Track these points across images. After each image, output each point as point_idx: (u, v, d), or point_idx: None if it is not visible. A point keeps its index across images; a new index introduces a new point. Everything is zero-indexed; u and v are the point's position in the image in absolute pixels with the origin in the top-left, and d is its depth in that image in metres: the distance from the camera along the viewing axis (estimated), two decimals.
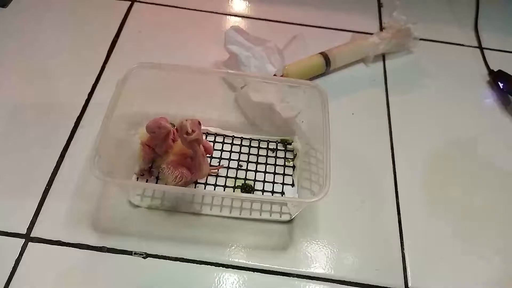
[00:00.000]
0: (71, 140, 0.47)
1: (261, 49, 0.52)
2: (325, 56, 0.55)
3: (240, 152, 0.48)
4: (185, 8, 0.62)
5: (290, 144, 0.49)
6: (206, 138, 0.48)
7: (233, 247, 0.41)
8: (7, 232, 0.40)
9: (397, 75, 0.57)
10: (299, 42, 0.55)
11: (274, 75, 0.51)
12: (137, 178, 0.45)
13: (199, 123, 0.37)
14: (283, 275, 0.40)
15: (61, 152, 0.46)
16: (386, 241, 0.43)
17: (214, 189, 0.45)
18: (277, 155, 0.48)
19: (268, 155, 0.48)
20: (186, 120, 0.36)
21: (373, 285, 0.40)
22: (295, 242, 0.42)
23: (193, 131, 0.36)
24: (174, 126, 0.42)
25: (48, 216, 0.42)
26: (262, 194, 0.45)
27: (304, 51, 0.55)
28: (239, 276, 0.40)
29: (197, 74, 0.46)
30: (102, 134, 0.38)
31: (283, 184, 0.46)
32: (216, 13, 0.62)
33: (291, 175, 0.46)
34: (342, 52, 0.56)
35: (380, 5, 0.65)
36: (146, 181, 0.44)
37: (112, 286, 0.38)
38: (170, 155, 0.41)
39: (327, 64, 0.55)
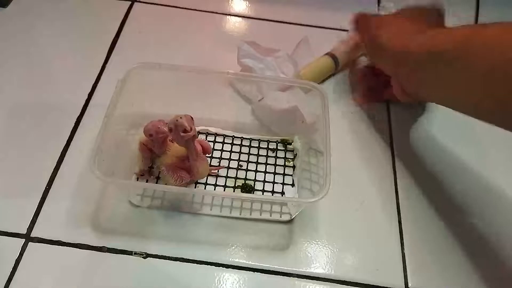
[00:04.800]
0: (71, 140, 0.47)
1: (272, 59, 0.52)
2: (332, 56, 0.55)
3: (240, 152, 0.48)
4: (185, 8, 0.62)
5: (290, 144, 0.49)
6: (206, 138, 0.48)
7: (233, 247, 0.41)
8: (7, 232, 0.40)
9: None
10: (304, 46, 0.55)
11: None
12: (137, 178, 0.45)
13: (191, 118, 0.37)
14: (283, 275, 0.40)
15: (61, 152, 0.46)
16: (386, 241, 0.43)
17: (214, 189, 0.45)
18: (277, 155, 0.48)
19: (268, 155, 0.48)
20: (181, 118, 0.36)
21: (373, 285, 0.40)
22: (295, 242, 0.42)
23: (190, 128, 0.36)
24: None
25: (48, 216, 0.42)
26: (262, 194, 0.45)
27: (310, 54, 0.55)
28: (239, 276, 0.40)
29: (197, 74, 0.46)
30: (102, 134, 0.38)
31: (283, 184, 0.46)
32: (216, 13, 0.62)
33: (291, 175, 0.46)
34: (347, 51, 0.55)
35: (379, 5, 0.65)
36: (146, 181, 0.45)
37: (112, 286, 0.38)
38: (168, 156, 0.41)
39: (336, 64, 0.55)
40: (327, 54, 0.55)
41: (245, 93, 0.52)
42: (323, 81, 0.55)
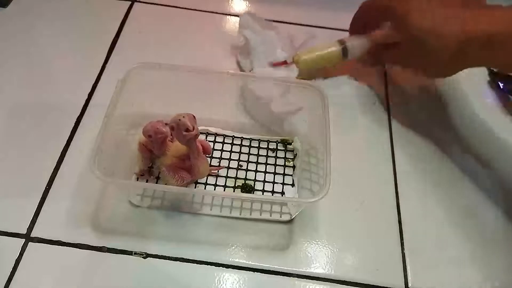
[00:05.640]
0: (71, 140, 0.47)
1: (273, 33, 0.52)
2: (342, 43, 0.50)
3: (240, 152, 0.48)
4: (185, 8, 0.62)
5: (290, 144, 0.49)
6: (206, 138, 0.48)
7: (233, 247, 0.41)
8: (7, 232, 0.40)
9: (396, 72, 0.57)
10: (311, 42, 0.54)
11: (285, 61, 0.51)
12: (137, 178, 0.45)
13: (194, 117, 0.37)
14: (283, 275, 0.40)
15: (61, 152, 0.46)
16: (386, 241, 0.43)
17: (214, 189, 0.45)
18: (277, 155, 0.48)
19: (268, 155, 0.48)
20: (184, 117, 0.36)
21: (373, 285, 0.40)
22: (295, 242, 0.42)
23: (193, 127, 0.36)
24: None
25: (48, 216, 0.42)
26: (262, 194, 0.45)
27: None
28: (239, 276, 0.40)
29: (197, 74, 0.46)
30: (102, 134, 0.38)
31: (283, 184, 0.46)
32: (216, 13, 0.62)
33: (291, 175, 0.46)
34: (364, 45, 0.50)
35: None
36: (146, 181, 0.45)
37: (112, 286, 0.38)
38: (168, 156, 0.41)
39: (344, 54, 0.50)
40: (338, 40, 0.51)
41: (244, 67, 0.53)
42: (325, 77, 0.53)
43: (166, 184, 0.41)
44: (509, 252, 0.43)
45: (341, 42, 0.51)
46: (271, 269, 0.40)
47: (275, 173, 0.46)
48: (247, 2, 0.64)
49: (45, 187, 0.43)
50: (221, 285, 0.39)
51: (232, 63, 0.56)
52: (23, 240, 0.40)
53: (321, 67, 0.52)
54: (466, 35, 0.40)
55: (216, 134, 0.49)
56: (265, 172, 0.46)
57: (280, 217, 0.43)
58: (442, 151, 0.50)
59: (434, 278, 0.41)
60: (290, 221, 0.43)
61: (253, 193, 0.45)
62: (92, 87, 0.52)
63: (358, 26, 0.52)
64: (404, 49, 0.46)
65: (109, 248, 0.40)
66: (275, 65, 0.51)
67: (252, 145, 0.49)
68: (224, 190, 0.45)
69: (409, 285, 0.41)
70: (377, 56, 0.51)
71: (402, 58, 0.48)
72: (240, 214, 0.43)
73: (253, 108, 0.50)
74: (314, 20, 0.62)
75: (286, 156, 0.48)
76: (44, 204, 0.42)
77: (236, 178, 0.46)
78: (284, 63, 0.52)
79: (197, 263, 0.40)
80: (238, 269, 0.40)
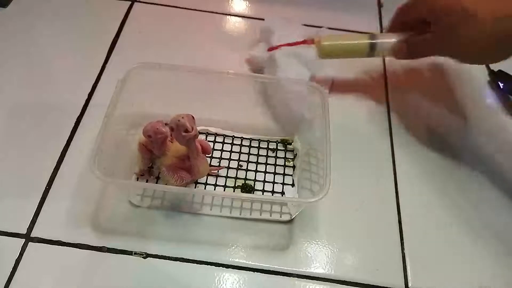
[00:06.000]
0: (71, 140, 0.47)
1: (296, 26, 0.53)
2: (372, 37, 0.48)
3: (240, 152, 0.48)
4: (185, 8, 0.62)
5: (290, 144, 0.49)
6: (206, 138, 0.48)
7: (233, 247, 0.41)
8: (7, 232, 0.40)
9: (396, 73, 0.57)
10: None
11: (304, 40, 0.49)
12: (137, 178, 0.45)
13: (193, 118, 0.37)
14: (283, 275, 0.40)
15: (61, 152, 0.46)
16: (386, 241, 0.43)
17: (214, 189, 0.45)
18: (277, 155, 0.48)
19: (268, 155, 0.48)
20: (183, 118, 0.36)
21: (373, 285, 0.40)
22: (295, 242, 0.42)
23: (192, 128, 0.36)
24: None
25: (48, 216, 0.42)
26: (262, 194, 0.45)
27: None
28: (239, 276, 0.40)
29: (197, 74, 0.46)
30: (102, 134, 0.38)
31: (283, 184, 0.46)
32: (216, 13, 0.62)
33: (291, 175, 0.46)
34: (392, 39, 0.48)
35: (380, 5, 0.65)
36: (146, 181, 0.45)
37: (112, 286, 0.38)
38: (168, 157, 0.41)
39: (371, 48, 0.48)
40: (369, 34, 0.49)
41: (258, 55, 0.54)
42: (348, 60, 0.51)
43: (166, 184, 0.41)
44: (511, 251, 0.43)
45: (371, 36, 0.48)
46: (271, 269, 0.40)
47: (275, 173, 0.46)
48: (247, 2, 0.64)
49: (45, 187, 0.43)
50: (221, 285, 0.39)
51: (233, 63, 0.56)
52: (23, 240, 0.40)
53: (341, 58, 0.50)
54: (497, 13, 0.40)
55: (216, 134, 0.49)
56: (265, 172, 0.46)
57: (280, 217, 0.43)
58: (442, 151, 0.50)
59: (434, 278, 0.41)
60: (290, 221, 0.43)
61: (253, 193, 0.45)
62: (92, 87, 0.52)
63: (396, 28, 0.49)
64: (439, 36, 0.44)
65: (109, 248, 0.40)
66: (292, 44, 0.50)
67: (252, 145, 0.49)
68: (224, 190, 0.45)
69: (409, 285, 0.41)
70: (410, 48, 0.48)
71: (437, 47, 0.46)
72: (240, 214, 0.43)
73: (274, 107, 0.50)
74: (314, 20, 0.62)
75: (286, 156, 0.48)
76: (44, 204, 0.42)
77: (236, 178, 0.46)
78: (303, 42, 0.50)
79: (197, 263, 0.40)
80: (238, 269, 0.40)
